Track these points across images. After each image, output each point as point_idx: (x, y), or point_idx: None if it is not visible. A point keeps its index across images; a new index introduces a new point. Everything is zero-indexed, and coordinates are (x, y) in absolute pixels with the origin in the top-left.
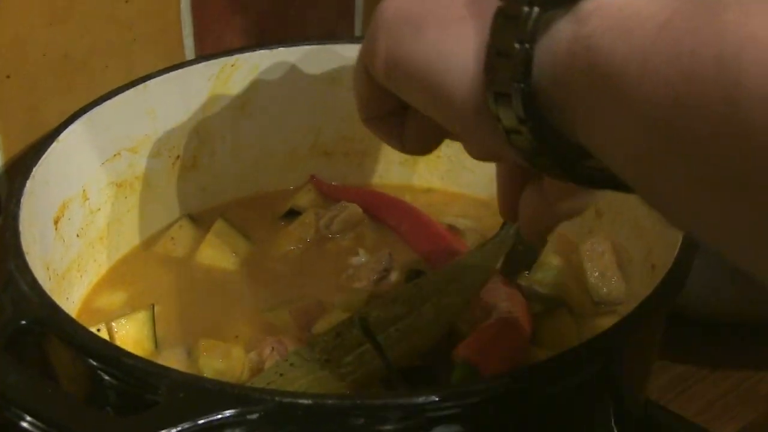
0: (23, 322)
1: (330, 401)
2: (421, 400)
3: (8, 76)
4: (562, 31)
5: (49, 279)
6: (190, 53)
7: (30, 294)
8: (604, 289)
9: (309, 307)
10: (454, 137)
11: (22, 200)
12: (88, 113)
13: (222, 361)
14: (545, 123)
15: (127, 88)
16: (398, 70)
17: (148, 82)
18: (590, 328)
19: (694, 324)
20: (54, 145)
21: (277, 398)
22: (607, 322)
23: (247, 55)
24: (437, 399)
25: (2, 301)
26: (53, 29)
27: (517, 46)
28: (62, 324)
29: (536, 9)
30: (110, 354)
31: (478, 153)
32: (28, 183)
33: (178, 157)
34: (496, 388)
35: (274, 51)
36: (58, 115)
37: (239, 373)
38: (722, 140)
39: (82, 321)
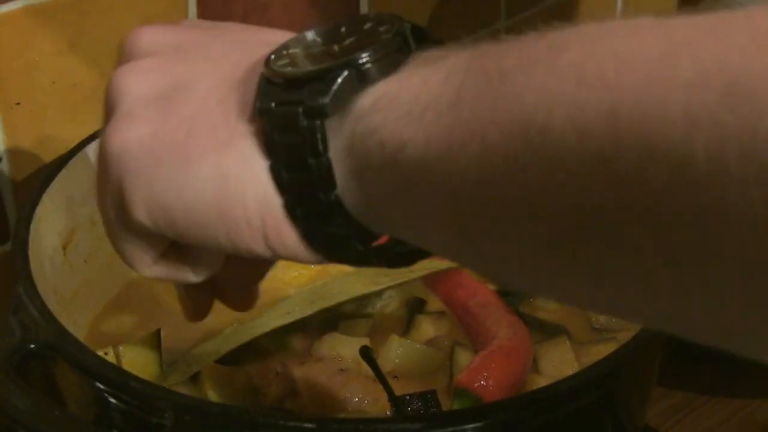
0: (32, 346)
1: (334, 425)
2: (422, 425)
3: (18, 103)
4: (351, 132)
5: (57, 303)
6: None
7: (39, 318)
8: (604, 317)
9: (313, 333)
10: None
11: (31, 226)
12: (96, 140)
13: (227, 385)
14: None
15: None
16: (169, 214)
17: None
18: (590, 355)
19: (692, 351)
20: (63, 172)
21: (281, 422)
22: (606, 349)
23: None
24: (439, 425)
25: (11, 326)
26: (63, 58)
27: (311, 161)
28: (70, 348)
29: (317, 121)
30: (117, 378)
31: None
32: (38, 209)
33: None
34: (497, 414)
35: None
36: (66, 142)
37: (244, 397)
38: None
39: (90, 345)
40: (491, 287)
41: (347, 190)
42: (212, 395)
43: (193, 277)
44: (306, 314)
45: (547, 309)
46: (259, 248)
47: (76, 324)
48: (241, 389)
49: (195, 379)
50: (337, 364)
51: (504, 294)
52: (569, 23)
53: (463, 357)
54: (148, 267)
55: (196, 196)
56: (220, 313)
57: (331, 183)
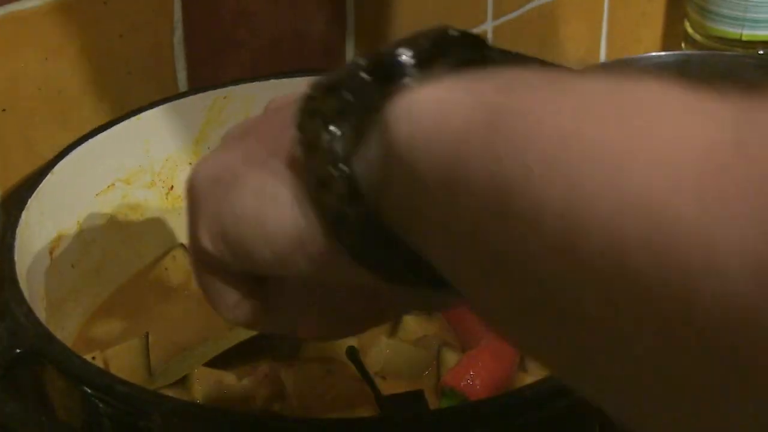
0: (18, 351)
1: (322, 427)
2: (410, 425)
3: (4, 110)
4: (375, 142)
5: (45, 309)
6: (183, 86)
7: (26, 324)
8: None
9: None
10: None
11: (17, 232)
12: (82, 145)
13: (215, 388)
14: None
15: (121, 120)
16: (228, 235)
17: (141, 114)
18: None
19: None
20: (49, 177)
21: (269, 424)
22: None
23: (239, 87)
24: (425, 423)
25: None
26: (48, 64)
27: (334, 172)
28: (57, 353)
29: (336, 130)
30: (105, 382)
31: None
32: (24, 214)
33: (172, 187)
34: (483, 413)
35: (266, 83)
36: (53, 148)
37: (232, 399)
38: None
39: (78, 350)
40: None
41: (377, 198)
42: (200, 398)
43: (275, 325)
44: None
45: None
46: (304, 264)
47: (65, 329)
48: (230, 392)
49: (183, 382)
50: (324, 365)
51: None
52: (555, 26)
53: (451, 357)
54: (230, 310)
55: (241, 209)
56: (208, 318)
57: (357, 194)
